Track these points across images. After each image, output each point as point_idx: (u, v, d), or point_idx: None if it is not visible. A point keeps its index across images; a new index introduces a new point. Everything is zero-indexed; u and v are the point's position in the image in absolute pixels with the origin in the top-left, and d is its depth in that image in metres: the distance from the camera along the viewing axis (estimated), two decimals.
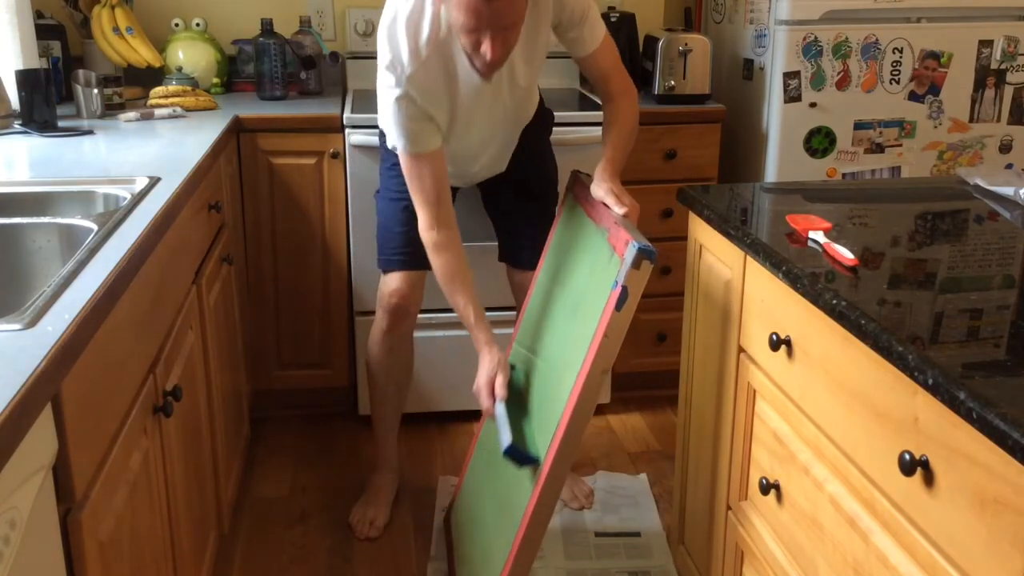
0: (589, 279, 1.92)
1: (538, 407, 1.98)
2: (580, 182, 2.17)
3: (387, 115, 2.00)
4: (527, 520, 1.82)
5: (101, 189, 1.87)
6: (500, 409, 1.96)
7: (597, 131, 2.24)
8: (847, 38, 2.79)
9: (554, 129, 2.43)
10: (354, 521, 2.45)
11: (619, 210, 1.90)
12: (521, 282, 2.38)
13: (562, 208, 2.25)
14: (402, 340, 2.41)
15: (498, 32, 1.83)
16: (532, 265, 2.29)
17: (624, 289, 1.73)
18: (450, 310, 2.80)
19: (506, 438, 1.88)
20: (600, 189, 1.98)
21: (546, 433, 1.85)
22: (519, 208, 2.36)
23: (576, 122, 2.68)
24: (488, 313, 2.73)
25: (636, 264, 1.72)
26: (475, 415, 2.47)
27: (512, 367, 2.09)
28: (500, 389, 1.98)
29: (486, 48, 1.85)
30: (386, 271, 2.32)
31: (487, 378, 2.01)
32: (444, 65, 1.97)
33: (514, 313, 2.48)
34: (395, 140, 2.02)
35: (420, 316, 2.76)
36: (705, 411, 1.93)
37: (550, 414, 1.87)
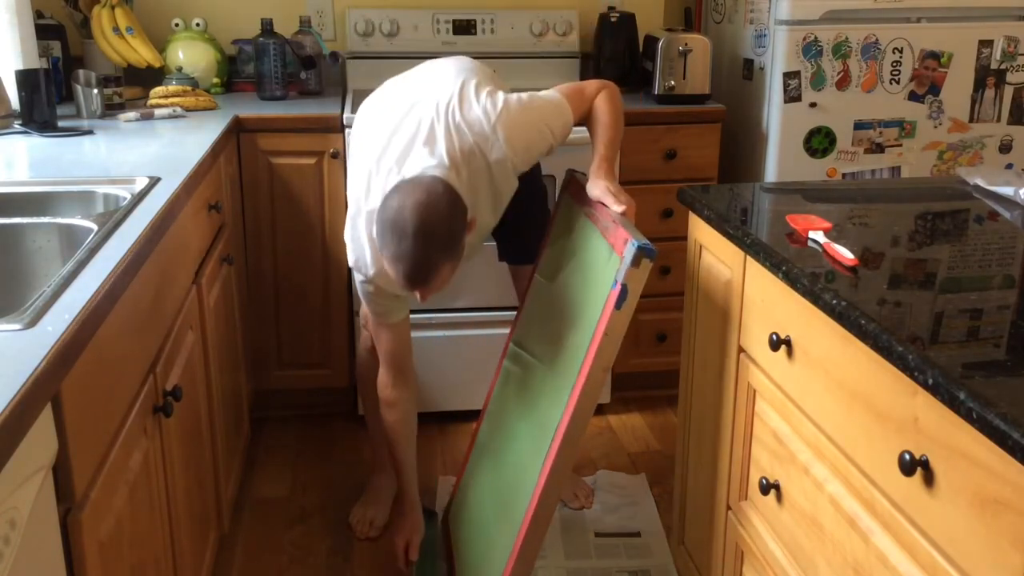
0: (588, 278, 1.92)
1: (537, 407, 1.98)
2: (575, 181, 2.17)
3: (356, 286, 2.09)
4: (528, 520, 1.82)
5: (101, 189, 1.87)
6: (413, 572, 2.23)
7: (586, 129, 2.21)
8: (847, 38, 2.79)
9: None
10: (354, 521, 2.46)
11: (617, 208, 1.90)
12: (527, 274, 2.37)
13: (558, 207, 2.24)
14: None
15: (425, 294, 1.84)
16: (533, 259, 2.29)
17: (624, 287, 1.72)
18: (450, 310, 2.82)
19: None
20: (596, 188, 1.97)
21: (547, 433, 1.85)
22: (513, 213, 2.34)
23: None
24: (486, 313, 2.74)
25: (636, 262, 1.71)
26: (474, 415, 2.47)
27: (430, 513, 2.39)
28: (413, 552, 2.23)
29: (418, 295, 1.86)
30: None
31: (404, 540, 2.24)
32: None
33: (512, 313, 2.47)
34: (364, 305, 2.11)
35: (420, 316, 2.77)
36: (705, 411, 1.94)
37: (550, 414, 1.87)
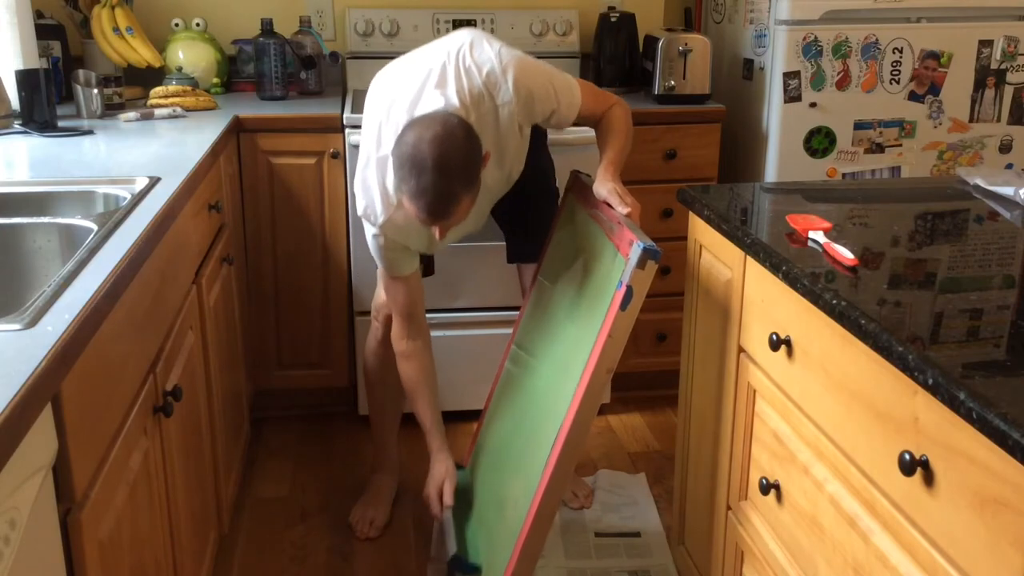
0: (592, 279, 1.92)
1: (539, 409, 1.98)
2: (580, 182, 2.17)
3: (367, 240, 2.08)
4: (530, 520, 1.82)
5: (101, 189, 1.87)
6: (447, 516, 2.13)
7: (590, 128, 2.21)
8: (847, 38, 2.79)
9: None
10: (354, 521, 2.45)
11: (622, 210, 1.90)
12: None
13: (562, 208, 2.24)
14: None
15: (445, 228, 1.86)
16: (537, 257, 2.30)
17: (629, 289, 1.72)
18: (450, 310, 2.82)
19: (452, 548, 2.04)
20: (603, 188, 1.97)
21: (549, 434, 1.85)
22: (521, 210, 2.35)
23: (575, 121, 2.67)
24: (488, 313, 2.74)
25: (641, 264, 1.72)
26: (475, 415, 2.47)
27: (459, 467, 2.24)
28: (448, 497, 2.12)
29: (435, 232, 1.87)
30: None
31: (436, 487, 2.14)
32: None
33: (514, 313, 2.47)
34: (375, 259, 2.11)
35: None
36: (705, 411, 1.94)
37: (552, 415, 1.87)
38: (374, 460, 2.56)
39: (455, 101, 1.88)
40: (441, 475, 2.15)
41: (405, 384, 2.21)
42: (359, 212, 2.03)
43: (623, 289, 1.73)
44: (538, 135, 2.30)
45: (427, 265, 2.29)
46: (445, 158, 1.74)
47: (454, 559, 2.02)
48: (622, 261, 1.77)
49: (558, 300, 2.07)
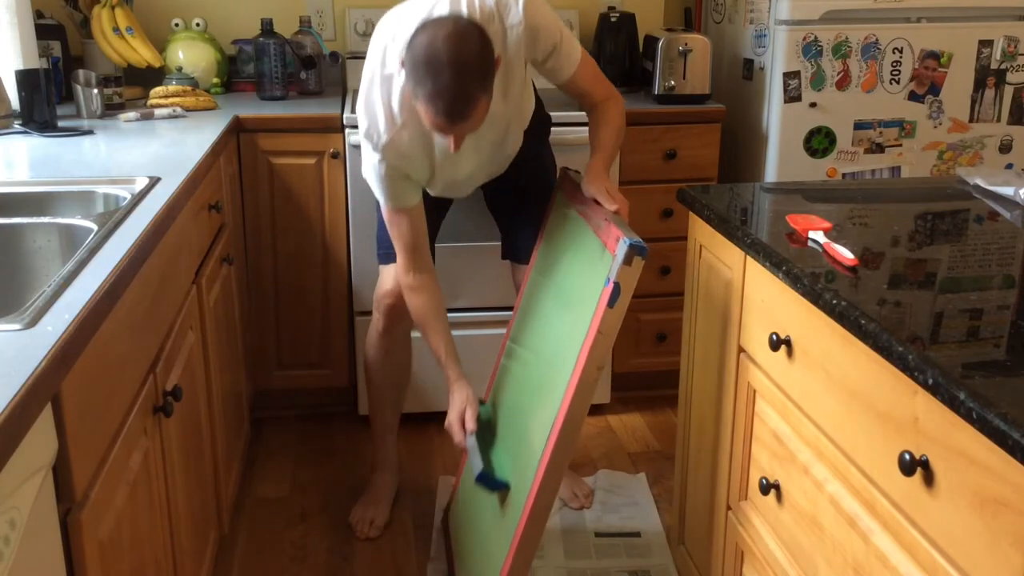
0: (581, 276, 1.92)
1: (533, 406, 1.98)
2: (569, 179, 2.17)
3: (367, 172, 2.04)
4: (526, 516, 1.82)
5: (101, 189, 1.87)
6: (471, 441, 2.06)
7: (585, 131, 2.21)
8: (847, 38, 2.79)
9: (552, 130, 2.42)
10: (354, 521, 2.45)
11: (610, 207, 1.90)
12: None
13: (552, 205, 2.25)
14: (399, 341, 2.41)
15: (462, 136, 1.84)
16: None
17: (616, 285, 1.72)
18: (450, 310, 2.81)
19: (477, 466, 1.98)
20: (591, 186, 1.97)
21: (543, 431, 1.85)
22: (520, 208, 2.36)
23: (573, 122, 2.66)
24: (487, 313, 2.74)
25: (628, 260, 1.71)
26: None
27: (481, 403, 2.17)
28: (470, 423, 2.07)
29: (450, 142, 1.85)
30: (387, 264, 2.31)
31: (458, 414, 2.09)
32: (419, 127, 1.96)
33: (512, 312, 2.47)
34: (376, 194, 2.07)
35: None
36: (705, 411, 1.94)
37: (545, 412, 1.87)
38: (374, 459, 2.56)
39: (465, 14, 1.86)
40: (462, 402, 2.09)
41: (416, 317, 2.16)
42: (361, 133, 1.98)
43: (610, 286, 1.73)
44: (540, 131, 2.30)
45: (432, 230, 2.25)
46: (462, 56, 1.72)
47: (482, 476, 1.96)
48: (609, 258, 1.77)
49: (549, 297, 2.08)
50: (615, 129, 2.11)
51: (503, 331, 2.36)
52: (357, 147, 2.65)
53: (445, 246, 2.67)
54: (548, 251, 2.17)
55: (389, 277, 2.30)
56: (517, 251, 2.41)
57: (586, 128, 2.16)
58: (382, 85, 1.94)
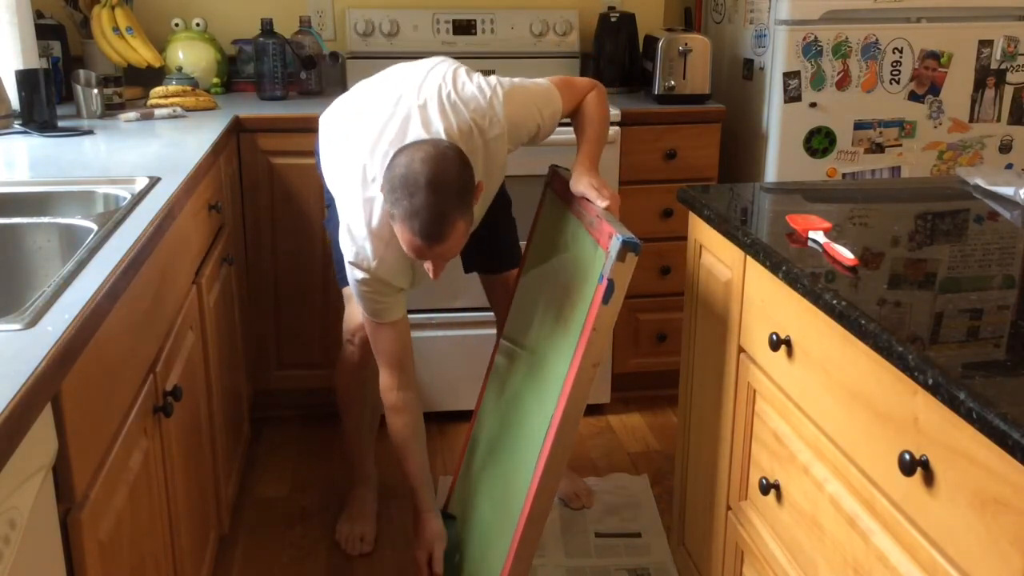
0: (574, 274, 1.92)
1: (529, 405, 1.98)
2: (558, 176, 2.16)
3: (352, 286, 1.97)
4: (525, 515, 1.82)
5: (101, 189, 1.87)
6: None
7: (571, 130, 2.19)
8: (847, 38, 2.79)
9: None
10: (342, 538, 2.39)
11: (601, 203, 1.88)
12: (504, 281, 2.35)
13: (542, 203, 2.24)
14: (376, 368, 2.31)
15: (441, 262, 1.81)
16: (514, 264, 2.27)
17: (610, 282, 1.72)
18: (448, 310, 2.82)
19: None
20: (580, 183, 1.95)
21: (540, 430, 1.85)
22: (483, 223, 2.31)
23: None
24: (486, 313, 2.73)
25: (621, 257, 1.71)
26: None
27: (449, 517, 2.20)
28: (437, 565, 2.08)
29: (428, 268, 1.82)
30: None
31: (426, 550, 2.09)
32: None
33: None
34: (359, 307, 2.02)
35: (420, 316, 2.77)
36: (705, 411, 1.94)
37: (542, 411, 1.87)
38: (353, 475, 2.50)
39: (443, 133, 1.84)
40: (431, 538, 2.10)
41: (396, 438, 2.11)
42: (349, 259, 1.92)
43: (604, 283, 1.72)
44: None
45: None
46: (439, 175, 1.70)
47: None
48: (602, 255, 1.77)
49: (542, 295, 2.07)
50: (599, 120, 2.08)
51: (492, 332, 2.37)
52: None
53: None
54: (539, 250, 2.17)
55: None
56: (493, 261, 2.35)
57: (571, 128, 2.15)
58: (364, 208, 1.88)
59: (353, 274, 1.94)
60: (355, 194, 1.91)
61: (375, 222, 1.89)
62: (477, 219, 2.05)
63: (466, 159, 1.79)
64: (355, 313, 2.22)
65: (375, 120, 1.92)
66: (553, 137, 2.53)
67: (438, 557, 2.08)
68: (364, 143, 1.91)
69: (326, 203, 2.25)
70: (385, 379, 2.08)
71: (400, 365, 2.06)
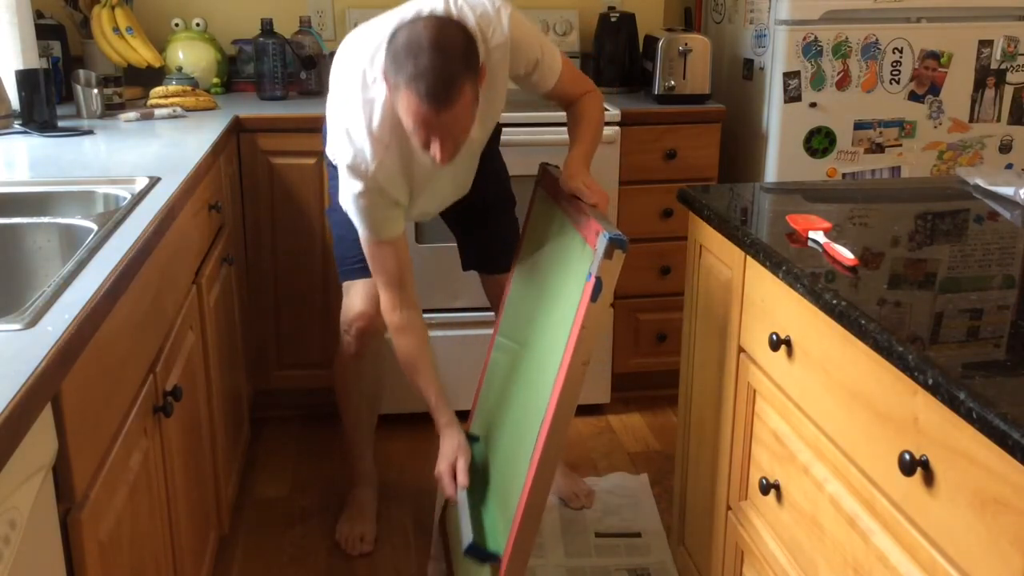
0: (563, 272, 1.92)
1: (522, 403, 1.98)
2: (549, 174, 2.16)
3: (349, 203, 1.94)
4: (521, 512, 1.82)
5: (101, 189, 1.87)
6: (462, 497, 1.97)
7: (566, 131, 2.19)
8: (847, 38, 2.79)
9: (524, 129, 2.39)
10: (342, 539, 2.38)
11: (589, 201, 1.89)
12: (504, 282, 2.34)
13: (532, 201, 2.24)
14: (372, 360, 2.35)
15: (448, 138, 1.76)
16: (509, 267, 2.28)
17: (598, 280, 1.72)
18: (449, 309, 2.82)
19: (467, 536, 1.88)
20: (570, 181, 1.95)
21: (532, 428, 1.85)
22: (484, 221, 2.32)
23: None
24: (486, 313, 2.73)
25: (608, 254, 1.71)
26: None
27: (475, 438, 2.11)
28: (461, 476, 1.97)
29: (435, 151, 1.77)
30: (351, 280, 2.22)
31: (448, 464, 2.00)
32: (401, 148, 1.91)
33: None
34: (357, 226, 1.98)
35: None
36: (705, 411, 1.94)
37: (535, 409, 1.87)
38: (352, 474, 2.50)
39: None
40: (453, 450, 2.00)
41: (402, 359, 2.06)
42: (346, 163, 1.87)
43: (592, 281, 1.72)
44: (495, 137, 2.24)
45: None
46: (443, 39, 1.67)
47: (471, 547, 1.88)
48: (590, 252, 1.77)
49: (533, 293, 2.07)
50: (594, 123, 2.08)
51: (488, 331, 2.36)
52: None
53: (442, 246, 2.67)
54: (530, 247, 2.17)
55: (358, 297, 2.20)
56: (493, 261, 2.35)
57: (564, 128, 2.15)
58: (364, 109, 1.86)
59: (351, 188, 1.90)
60: (355, 97, 1.88)
61: (375, 123, 1.87)
62: (480, 142, 2.03)
63: (470, 32, 1.76)
64: (353, 304, 2.22)
65: (377, 34, 1.90)
66: (545, 137, 2.53)
67: (463, 467, 1.97)
68: (364, 52, 1.90)
69: (329, 191, 2.23)
70: (386, 300, 2.04)
71: (400, 284, 2.02)
